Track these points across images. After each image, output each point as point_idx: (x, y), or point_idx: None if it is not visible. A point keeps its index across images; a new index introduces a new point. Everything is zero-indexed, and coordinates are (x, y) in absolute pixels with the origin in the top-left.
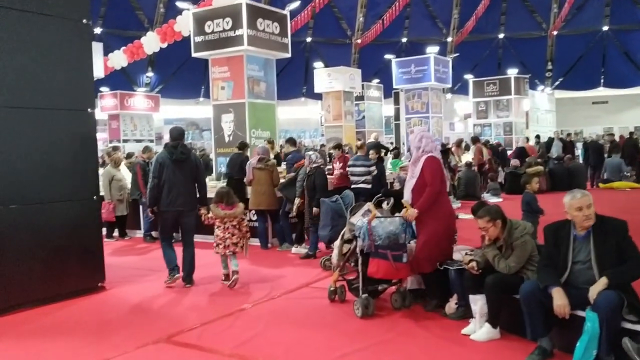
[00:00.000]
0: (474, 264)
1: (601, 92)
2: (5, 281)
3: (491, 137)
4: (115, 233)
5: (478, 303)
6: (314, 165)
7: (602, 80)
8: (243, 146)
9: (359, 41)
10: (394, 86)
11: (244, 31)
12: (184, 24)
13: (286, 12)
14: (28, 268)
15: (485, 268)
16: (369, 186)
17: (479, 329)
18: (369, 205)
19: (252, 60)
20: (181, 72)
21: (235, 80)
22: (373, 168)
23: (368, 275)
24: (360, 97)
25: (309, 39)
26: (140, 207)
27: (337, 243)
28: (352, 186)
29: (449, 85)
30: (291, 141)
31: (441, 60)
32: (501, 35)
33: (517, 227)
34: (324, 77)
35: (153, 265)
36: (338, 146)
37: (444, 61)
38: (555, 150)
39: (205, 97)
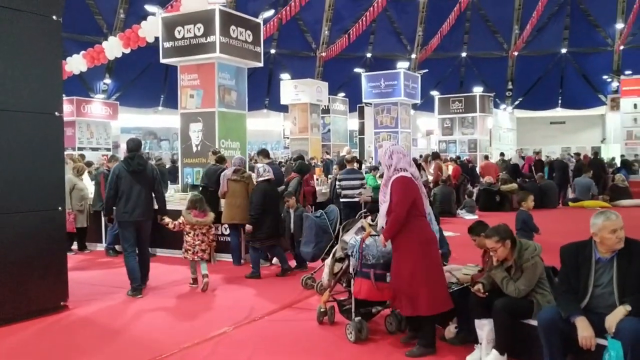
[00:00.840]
0: (480, 286)
1: (559, 112)
2: None
3: (456, 154)
4: (74, 246)
5: (485, 328)
6: (261, 179)
7: (559, 101)
8: (221, 159)
9: (323, 54)
10: (363, 100)
11: (216, 38)
12: (149, 30)
13: (259, 20)
14: None
15: (490, 290)
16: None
17: (486, 356)
18: (363, 222)
19: (224, 69)
20: (140, 80)
21: (205, 88)
22: (364, 182)
23: (353, 295)
24: (326, 110)
25: (273, 51)
26: (103, 219)
27: (328, 262)
28: (345, 200)
29: (418, 101)
30: (264, 153)
31: (411, 76)
32: (464, 54)
33: (527, 247)
34: (290, 88)
35: (117, 281)
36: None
37: (414, 77)
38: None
39: (165, 107)
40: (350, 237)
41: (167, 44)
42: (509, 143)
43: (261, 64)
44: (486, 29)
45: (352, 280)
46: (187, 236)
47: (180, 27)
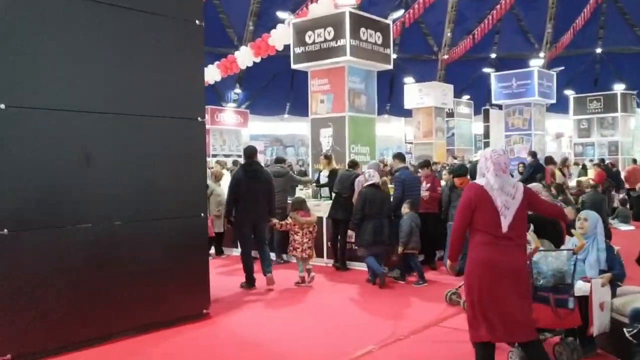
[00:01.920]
0: None
1: None
2: (106, 305)
3: (594, 157)
4: (211, 250)
5: None
6: (366, 184)
7: None
8: (354, 164)
9: (445, 57)
10: (493, 101)
11: (346, 41)
12: (279, 37)
13: (389, 21)
14: (130, 292)
15: None
16: None
17: None
18: (528, 234)
19: (354, 72)
20: (267, 89)
21: (335, 93)
22: None
23: None
24: (450, 114)
25: (394, 55)
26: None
27: None
28: None
29: (553, 101)
30: (400, 157)
31: (545, 74)
32: (599, 50)
33: None
34: (414, 92)
35: (257, 288)
36: (426, 164)
37: (548, 75)
38: None
39: (290, 114)
40: None
41: (298, 50)
42: None
43: (390, 66)
44: (623, 23)
45: None
46: (295, 236)
47: (311, 31)
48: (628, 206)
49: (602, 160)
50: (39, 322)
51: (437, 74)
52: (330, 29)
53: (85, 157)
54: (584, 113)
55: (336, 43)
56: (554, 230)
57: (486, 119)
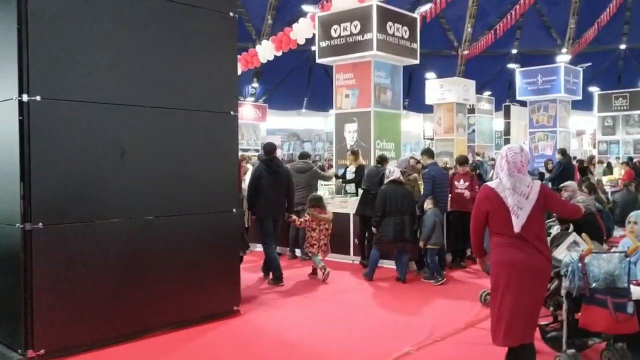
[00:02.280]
0: None
1: None
2: (139, 301)
3: (619, 155)
4: None
5: None
6: (386, 180)
7: None
8: (382, 160)
9: (466, 52)
10: (517, 97)
11: (373, 35)
12: (301, 31)
13: (416, 15)
14: (163, 287)
15: None
16: None
17: None
18: (574, 235)
19: (380, 67)
20: (285, 84)
21: (360, 87)
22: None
23: (580, 325)
24: (471, 110)
25: None
26: None
27: None
28: None
29: (579, 98)
30: (429, 153)
31: (571, 70)
32: (623, 46)
33: None
34: (435, 88)
35: (286, 285)
36: (464, 161)
37: (575, 71)
38: None
39: (307, 109)
40: (562, 254)
41: (323, 44)
42: None
43: (417, 61)
44: None
45: (563, 305)
46: (312, 232)
47: (337, 25)
48: None
49: (631, 158)
50: (72, 317)
51: (457, 69)
52: (356, 22)
53: (119, 151)
54: (609, 110)
55: (362, 37)
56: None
57: (507, 115)
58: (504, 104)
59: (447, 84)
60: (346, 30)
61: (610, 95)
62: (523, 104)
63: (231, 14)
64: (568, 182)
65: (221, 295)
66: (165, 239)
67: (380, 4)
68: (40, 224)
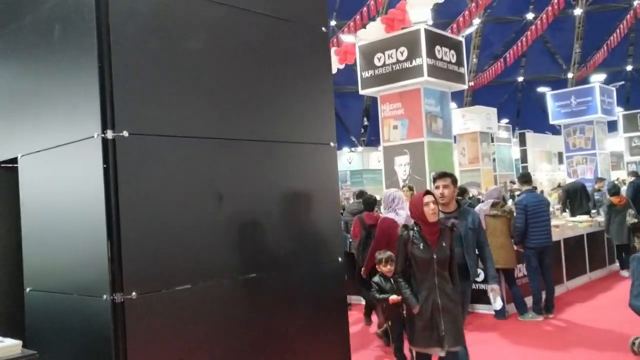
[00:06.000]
0: None
1: None
2: None
3: None
4: None
5: None
6: None
7: None
8: (463, 192)
9: (471, 84)
10: (550, 121)
11: (423, 60)
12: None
13: (461, 38)
14: (269, 355)
15: None
16: None
17: None
18: None
19: (429, 94)
20: None
21: (410, 117)
22: None
23: None
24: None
25: None
26: None
27: None
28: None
29: (615, 118)
30: (523, 178)
31: (606, 90)
32: (629, 67)
33: None
34: (458, 117)
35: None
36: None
37: (609, 91)
38: None
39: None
40: None
41: (366, 74)
42: None
43: (465, 86)
44: None
45: None
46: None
47: (380, 53)
48: None
49: None
50: None
51: (463, 101)
52: (402, 48)
53: (216, 195)
54: (634, 130)
55: (410, 63)
56: None
57: (522, 142)
58: (518, 132)
59: (469, 113)
60: (391, 57)
61: (635, 115)
62: (538, 129)
63: (323, 28)
64: None
65: (330, 355)
66: (268, 300)
67: (428, 27)
68: (133, 293)
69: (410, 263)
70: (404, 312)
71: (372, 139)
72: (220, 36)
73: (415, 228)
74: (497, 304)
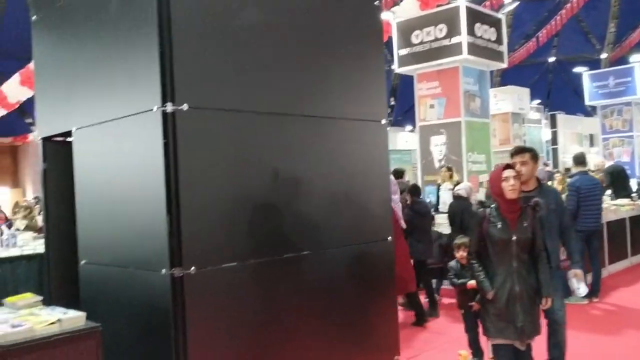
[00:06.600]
0: None
1: None
2: (297, 352)
3: None
4: None
5: None
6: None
7: None
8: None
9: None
10: (587, 102)
11: (462, 38)
12: None
13: (501, 15)
14: (320, 336)
15: None
16: None
17: None
18: None
19: (467, 72)
20: None
21: (448, 96)
22: None
23: None
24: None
25: None
26: None
27: None
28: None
29: None
30: (577, 159)
31: None
32: None
33: None
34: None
35: (448, 329)
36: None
37: None
38: None
39: None
40: None
41: (403, 51)
42: None
43: (505, 64)
44: None
45: None
46: None
47: (418, 30)
48: None
49: None
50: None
51: (492, 81)
52: (442, 25)
53: (273, 171)
54: None
55: (450, 41)
56: None
57: (553, 124)
58: (549, 113)
59: (500, 93)
60: (430, 35)
61: None
62: (569, 111)
63: (376, 2)
64: None
65: (380, 345)
66: (324, 277)
67: (468, 4)
68: (192, 268)
69: (486, 244)
70: (473, 299)
71: (398, 119)
72: (275, 12)
73: (492, 205)
74: (582, 289)
